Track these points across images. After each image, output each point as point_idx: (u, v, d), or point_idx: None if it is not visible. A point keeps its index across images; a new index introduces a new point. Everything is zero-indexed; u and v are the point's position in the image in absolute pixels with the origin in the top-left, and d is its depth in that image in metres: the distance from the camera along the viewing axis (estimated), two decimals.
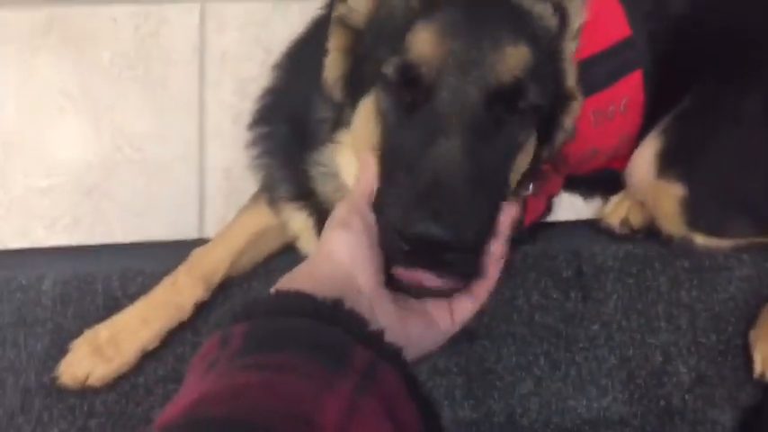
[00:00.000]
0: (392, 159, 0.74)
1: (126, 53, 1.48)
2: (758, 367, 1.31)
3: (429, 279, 0.67)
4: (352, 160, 0.84)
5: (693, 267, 1.40)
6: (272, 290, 0.60)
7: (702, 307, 1.38)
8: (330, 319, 0.53)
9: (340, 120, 0.87)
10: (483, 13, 0.78)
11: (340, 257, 0.65)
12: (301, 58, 1.15)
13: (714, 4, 1.20)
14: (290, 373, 0.47)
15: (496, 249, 0.71)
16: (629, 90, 1.16)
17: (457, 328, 0.70)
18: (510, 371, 1.31)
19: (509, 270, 1.36)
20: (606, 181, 1.36)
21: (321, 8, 1.17)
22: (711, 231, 1.29)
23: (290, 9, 1.51)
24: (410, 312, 0.67)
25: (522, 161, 0.80)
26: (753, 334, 1.34)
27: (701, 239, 1.30)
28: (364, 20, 0.84)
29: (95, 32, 1.48)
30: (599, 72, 1.12)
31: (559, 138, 0.88)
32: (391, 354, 0.55)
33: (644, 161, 1.25)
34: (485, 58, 0.73)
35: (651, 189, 1.26)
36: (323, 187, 0.96)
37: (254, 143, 1.18)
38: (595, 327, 1.35)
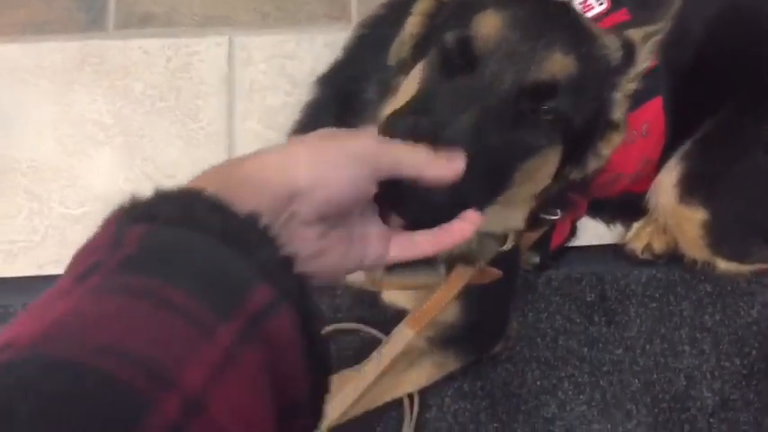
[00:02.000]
0: (415, 104, 0.75)
1: (157, 85, 1.52)
2: None
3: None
4: None
5: (716, 292, 1.40)
6: (193, 184, 0.53)
7: (726, 331, 1.38)
8: (237, 238, 0.47)
9: (390, 90, 0.89)
10: (549, 21, 0.82)
11: (313, 146, 0.57)
12: (347, 69, 1.17)
13: (731, 32, 1.22)
14: (171, 312, 0.42)
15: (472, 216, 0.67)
16: (650, 116, 1.18)
17: (382, 262, 0.64)
18: (534, 394, 1.32)
19: (532, 293, 1.38)
20: (628, 207, 1.38)
21: (362, 27, 1.20)
22: (734, 256, 1.30)
23: (315, 41, 1.55)
24: (337, 237, 0.59)
25: (538, 169, 0.81)
26: None
27: (723, 264, 1.31)
28: None
29: (128, 65, 1.53)
30: None
31: (592, 163, 0.90)
32: (296, 288, 0.48)
33: (666, 186, 1.26)
34: (533, 56, 0.77)
35: (673, 214, 1.27)
36: None
37: None
38: (619, 351, 1.36)
